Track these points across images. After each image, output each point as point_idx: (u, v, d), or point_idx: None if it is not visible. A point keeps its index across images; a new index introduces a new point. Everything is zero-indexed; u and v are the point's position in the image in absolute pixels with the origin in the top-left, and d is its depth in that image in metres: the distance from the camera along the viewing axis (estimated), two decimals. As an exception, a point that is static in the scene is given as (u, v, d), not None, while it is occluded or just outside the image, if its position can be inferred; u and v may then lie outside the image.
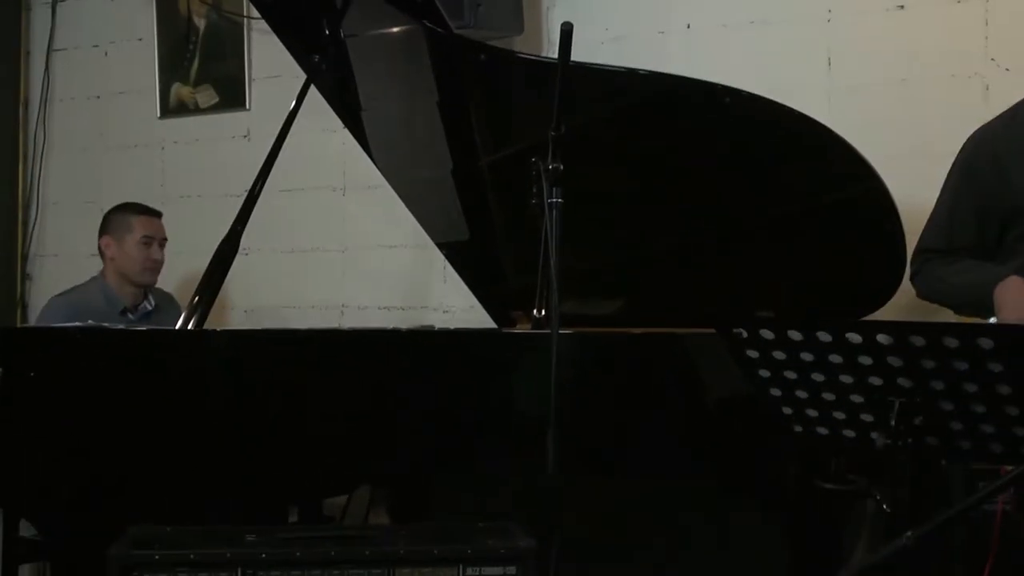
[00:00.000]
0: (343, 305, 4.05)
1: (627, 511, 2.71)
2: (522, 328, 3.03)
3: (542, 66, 2.74)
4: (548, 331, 2.12)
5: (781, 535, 2.72)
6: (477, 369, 2.56)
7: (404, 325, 3.63)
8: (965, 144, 2.51)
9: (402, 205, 3.26)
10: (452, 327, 3.54)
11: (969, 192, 2.46)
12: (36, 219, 4.57)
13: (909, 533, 1.48)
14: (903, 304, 2.70)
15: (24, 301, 4.56)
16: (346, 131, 3.32)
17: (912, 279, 2.56)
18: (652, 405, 2.56)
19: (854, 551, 2.61)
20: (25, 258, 4.58)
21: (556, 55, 2.16)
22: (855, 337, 1.69)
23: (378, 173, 3.27)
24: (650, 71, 2.71)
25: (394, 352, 2.59)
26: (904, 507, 1.73)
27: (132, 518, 2.21)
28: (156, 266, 3.65)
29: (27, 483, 2.49)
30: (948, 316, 2.53)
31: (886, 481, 1.75)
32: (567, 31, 2.15)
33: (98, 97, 4.51)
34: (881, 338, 1.66)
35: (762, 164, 2.70)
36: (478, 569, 2.07)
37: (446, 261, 3.50)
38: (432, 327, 3.43)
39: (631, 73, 2.72)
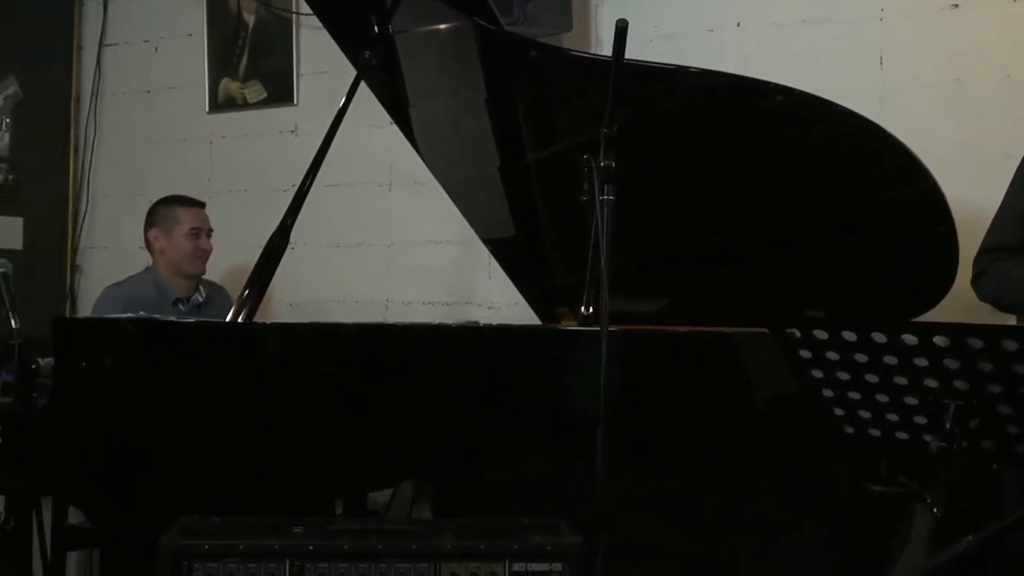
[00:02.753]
0: (387, 300, 4.06)
1: (670, 510, 2.69)
2: (567, 325, 3.03)
3: (594, 63, 2.74)
4: (596, 328, 2.12)
5: (827, 538, 2.69)
6: (523, 365, 2.56)
7: (448, 321, 3.63)
8: None
9: (448, 201, 3.26)
10: (496, 323, 3.55)
11: None
12: (86, 211, 4.62)
13: (969, 538, 1.46)
14: (959, 308, 2.67)
15: (74, 292, 4.60)
16: (392, 127, 3.33)
17: (975, 280, 2.51)
18: (699, 404, 2.54)
19: (901, 554, 2.59)
20: (75, 250, 4.62)
21: (604, 52, 2.16)
22: (911, 339, 1.67)
23: (424, 169, 3.28)
24: (701, 68, 2.69)
25: (440, 347, 2.60)
26: (956, 511, 1.71)
27: (180, 508, 2.23)
28: (205, 255, 3.72)
29: (77, 472, 2.53)
30: (1006, 321, 2.49)
31: (936, 484, 1.73)
32: (622, 28, 2.14)
33: (148, 92, 4.55)
34: (938, 340, 1.65)
35: (813, 163, 2.68)
36: (524, 565, 2.07)
37: (491, 257, 3.51)
38: (477, 323, 3.43)
39: (682, 70, 2.70)
